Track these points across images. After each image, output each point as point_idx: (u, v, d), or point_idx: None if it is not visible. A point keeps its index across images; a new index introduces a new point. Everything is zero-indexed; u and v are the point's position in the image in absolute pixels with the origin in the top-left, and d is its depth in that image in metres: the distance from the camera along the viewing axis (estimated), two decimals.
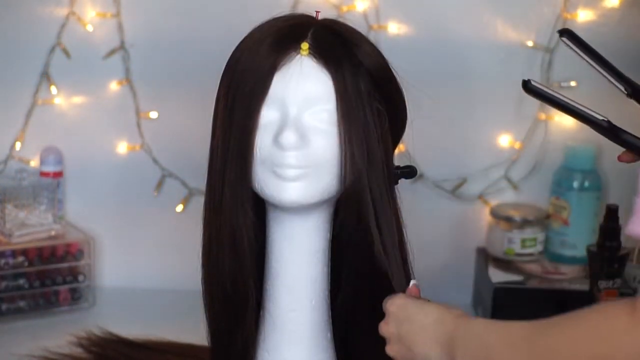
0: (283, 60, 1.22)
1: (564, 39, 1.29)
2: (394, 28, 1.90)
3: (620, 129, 1.26)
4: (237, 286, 1.30)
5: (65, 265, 1.88)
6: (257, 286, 1.31)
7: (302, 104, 1.22)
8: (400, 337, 1.15)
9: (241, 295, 1.30)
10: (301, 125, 1.22)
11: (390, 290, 1.32)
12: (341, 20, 1.32)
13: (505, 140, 1.94)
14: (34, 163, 1.95)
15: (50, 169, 1.92)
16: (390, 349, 1.18)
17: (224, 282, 1.30)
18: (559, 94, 1.24)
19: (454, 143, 1.93)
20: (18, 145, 1.95)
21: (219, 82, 1.28)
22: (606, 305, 0.94)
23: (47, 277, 1.86)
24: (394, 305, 1.18)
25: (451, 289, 1.93)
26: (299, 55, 1.22)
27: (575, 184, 1.90)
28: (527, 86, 1.23)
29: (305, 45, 1.22)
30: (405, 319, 1.15)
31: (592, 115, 1.25)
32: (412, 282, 1.24)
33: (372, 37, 1.42)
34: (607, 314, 0.93)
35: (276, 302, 1.31)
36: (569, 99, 1.24)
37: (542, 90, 1.23)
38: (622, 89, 1.28)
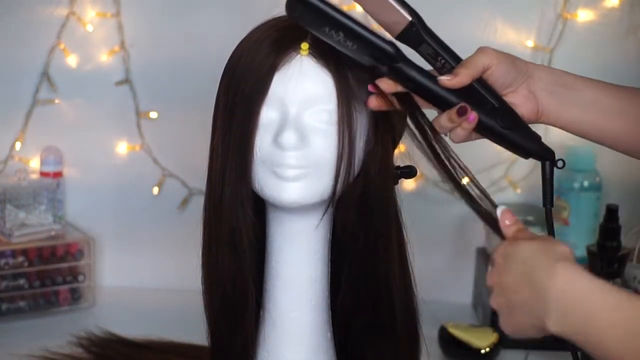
0: (283, 60, 1.22)
1: None
2: None
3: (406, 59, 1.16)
4: (237, 286, 1.30)
5: (65, 265, 1.88)
6: (257, 286, 1.31)
7: (302, 104, 1.22)
8: (502, 288, 1.04)
9: (241, 295, 1.30)
10: (301, 126, 1.22)
11: (390, 290, 1.32)
12: None
13: None
14: (34, 163, 1.95)
15: (50, 169, 1.92)
16: (492, 301, 1.07)
17: (224, 282, 1.30)
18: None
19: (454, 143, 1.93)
20: (18, 145, 1.95)
21: (218, 82, 1.28)
22: None
23: (47, 277, 1.86)
24: (497, 253, 1.07)
25: (451, 289, 1.93)
26: (298, 55, 1.22)
27: (575, 184, 1.90)
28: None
29: (305, 45, 1.22)
30: (504, 268, 1.04)
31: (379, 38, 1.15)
32: (498, 210, 1.11)
33: None
34: None
35: (276, 302, 1.31)
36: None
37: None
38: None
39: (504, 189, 1.96)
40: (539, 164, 1.25)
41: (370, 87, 1.19)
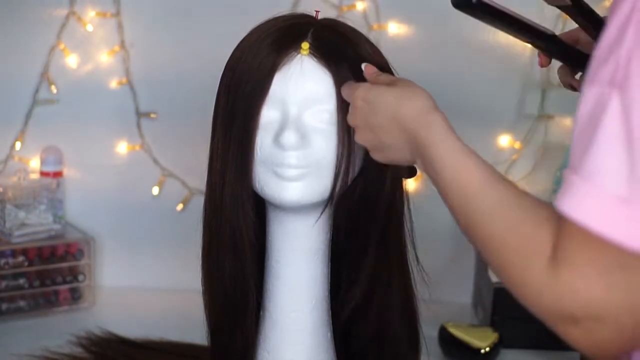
0: (283, 60, 1.22)
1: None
2: (394, 28, 1.90)
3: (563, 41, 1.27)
4: (237, 286, 1.30)
5: (65, 265, 1.88)
6: (257, 286, 1.31)
7: (303, 104, 1.22)
8: (369, 126, 1.15)
9: (241, 295, 1.30)
10: (302, 125, 1.22)
11: (390, 291, 1.32)
12: (341, 20, 1.32)
13: (505, 140, 1.94)
14: (34, 163, 1.95)
15: (50, 169, 1.92)
16: (359, 137, 1.17)
17: (224, 282, 1.30)
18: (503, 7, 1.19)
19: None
20: (18, 145, 1.95)
21: (219, 81, 1.28)
22: (532, 230, 0.91)
23: (47, 276, 1.86)
24: (357, 96, 1.16)
25: (451, 289, 1.93)
26: (299, 55, 1.22)
27: None
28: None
29: (305, 45, 1.22)
30: (371, 110, 1.15)
31: (539, 27, 1.23)
32: (363, 66, 1.21)
33: (372, 37, 1.42)
34: (529, 246, 0.91)
35: (276, 302, 1.31)
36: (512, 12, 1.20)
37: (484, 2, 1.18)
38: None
39: None
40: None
41: None
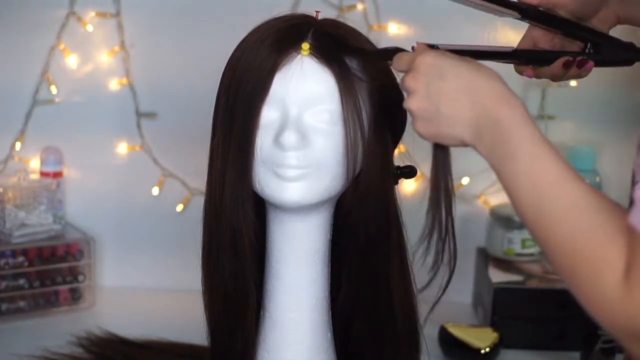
0: (284, 60, 1.22)
1: None
2: (394, 28, 1.90)
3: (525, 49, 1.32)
4: (237, 286, 1.30)
5: (65, 265, 1.88)
6: (257, 286, 1.31)
7: (303, 104, 1.22)
8: (430, 92, 1.07)
9: (241, 295, 1.30)
10: (302, 126, 1.22)
11: (390, 290, 1.32)
12: (341, 20, 1.32)
13: None
14: (34, 163, 1.95)
15: (50, 169, 1.92)
16: (411, 102, 1.09)
17: (224, 282, 1.30)
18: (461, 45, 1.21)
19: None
20: (18, 145, 1.95)
21: (219, 82, 1.28)
22: (602, 246, 0.88)
23: (47, 277, 1.86)
24: (422, 59, 1.09)
25: (451, 289, 1.92)
26: (299, 55, 1.22)
27: None
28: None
29: (305, 45, 1.22)
30: (439, 76, 1.06)
31: (498, 48, 1.29)
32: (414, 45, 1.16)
33: (372, 37, 1.42)
34: (602, 259, 0.88)
35: (276, 303, 1.31)
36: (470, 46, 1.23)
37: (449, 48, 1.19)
38: (514, 14, 1.29)
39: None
40: None
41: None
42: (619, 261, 0.87)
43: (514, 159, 0.98)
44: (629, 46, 1.33)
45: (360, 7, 1.90)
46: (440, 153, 1.13)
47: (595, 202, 0.92)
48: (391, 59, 1.17)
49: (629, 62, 1.35)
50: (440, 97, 1.06)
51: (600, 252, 0.89)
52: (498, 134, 1.00)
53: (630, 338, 0.88)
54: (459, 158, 2.02)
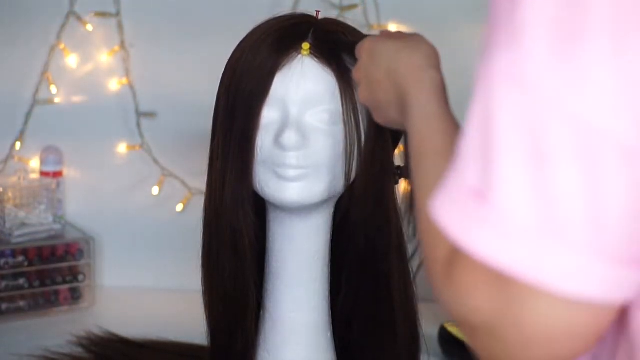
0: (284, 60, 1.22)
1: None
2: (394, 28, 1.90)
3: None
4: (237, 286, 1.30)
5: (65, 265, 1.88)
6: (257, 286, 1.31)
7: (303, 104, 1.22)
8: (368, 81, 1.09)
9: (241, 295, 1.30)
10: (302, 126, 1.22)
11: (390, 290, 1.32)
12: (341, 20, 1.32)
13: None
14: (34, 163, 1.95)
15: (50, 169, 1.92)
16: (359, 95, 1.13)
17: (225, 282, 1.30)
18: None
19: None
20: (18, 145, 1.95)
21: (219, 82, 1.28)
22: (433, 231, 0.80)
23: (47, 277, 1.86)
24: (362, 48, 1.11)
25: None
26: (300, 55, 1.22)
27: None
28: None
29: (306, 45, 1.22)
30: (371, 63, 1.08)
31: None
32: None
33: None
34: (437, 241, 0.80)
35: (276, 302, 1.31)
36: None
37: None
38: None
39: None
40: None
41: None
42: (446, 248, 0.79)
43: (410, 137, 0.99)
44: None
45: (360, 6, 1.90)
46: (405, 137, 1.14)
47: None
48: None
49: None
50: (375, 84, 1.08)
51: (437, 236, 0.80)
52: (405, 112, 1.02)
53: (461, 325, 0.81)
54: None
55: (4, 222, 1.84)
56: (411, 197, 0.94)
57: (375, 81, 1.08)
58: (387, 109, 1.08)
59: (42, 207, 1.88)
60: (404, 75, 1.03)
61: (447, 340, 1.74)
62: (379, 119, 1.12)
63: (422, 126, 0.97)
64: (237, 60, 1.25)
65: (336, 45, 1.23)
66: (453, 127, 0.97)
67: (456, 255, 0.77)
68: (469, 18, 1.92)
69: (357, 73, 1.12)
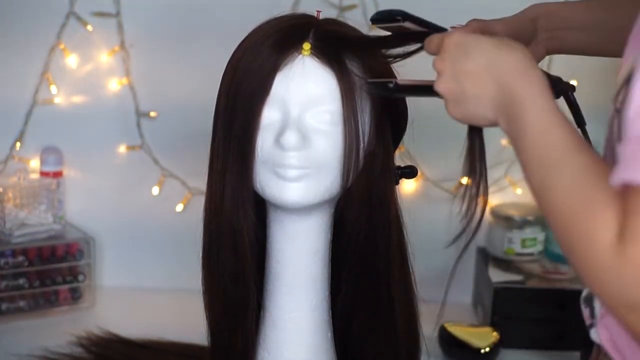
0: (285, 60, 1.22)
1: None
2: None
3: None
4: (237, 286, 1.30)
5: (65, 265, 1.88)
6: (257, 286, 1.31)
7: (304, 105, 1.22)
8: (456, 73, 1.07)
9: (241, 295, 1.30)
10: (303, 126, 1.22)
11: (390, 290, 1.32)
12: (342, 19, 1.32)
13: (505, 140, 1.94)
14: (34, 163, 1.95)
15: (50, 169, 1.92)
16: (439, 85, 1.09)
17: (225, 282, 1.30)
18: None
19: (454, 143, 1.93)
20: (18, 145, 1.95)
21: (219, 82, 1.28)
22: (596, 209, 0.87)
23: (47, 277, 1.86)
24: (450, 40, 1.09)
25: (451, 288, 1.92)
26: (300, 55, 1.22)
27: None
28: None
29: (307, 45, 1.22)
30: (464, 55, 1.06)
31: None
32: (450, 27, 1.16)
33: None
34: (594, 224, 0.86)
35: (276, 302, 1.31)
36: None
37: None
38: None
39: (504, 189, 1.96)
40: None
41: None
42: (613, 223, 0.85)
43: (525, 134, 0.98)
44: (558, 80, 1.27)
45: (360, 6, 1.90)
46: (475, 135, 1.14)
47: (601, 174, 0.90)
48: (393, 46, 1.18)
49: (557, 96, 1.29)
50: (465, 77, 1.06)
51: (594, 213, 0.87)
52: (513, 110, 1.00)
53: (624, 307, 0.86)
54: (459, 158, 2.03)
55: (4, 222, 1.84)
56: (539, 200, 0.93)
57: (465, 73, 1.06)
58: (475, 102, 1.06)
59: (42, 207, 1.88)
60: (508, 71, 1.02)
61: (447, 340, 1.75)
62: (455, 112, 1.08)
63: (542, 119, 0.97)
64: (238, 60, 1.25)
65: (337, 45, 1.23)
66: (569, 124, 0.97)
67: (628, 229, 0.80)
68: (469, 18, 1.92)
69: (441, 63, 1.09)
